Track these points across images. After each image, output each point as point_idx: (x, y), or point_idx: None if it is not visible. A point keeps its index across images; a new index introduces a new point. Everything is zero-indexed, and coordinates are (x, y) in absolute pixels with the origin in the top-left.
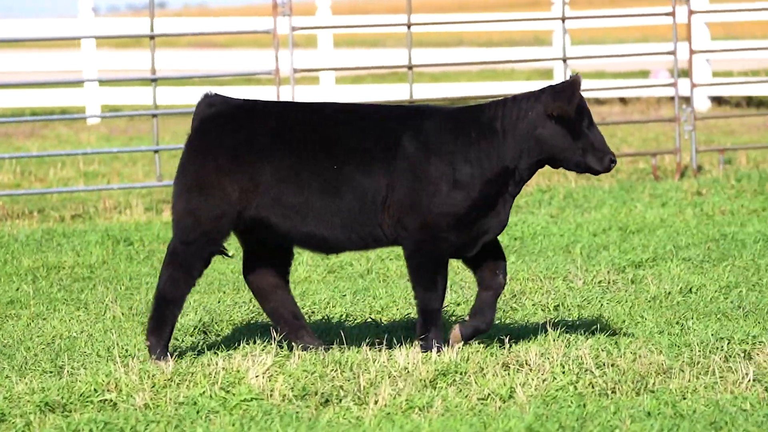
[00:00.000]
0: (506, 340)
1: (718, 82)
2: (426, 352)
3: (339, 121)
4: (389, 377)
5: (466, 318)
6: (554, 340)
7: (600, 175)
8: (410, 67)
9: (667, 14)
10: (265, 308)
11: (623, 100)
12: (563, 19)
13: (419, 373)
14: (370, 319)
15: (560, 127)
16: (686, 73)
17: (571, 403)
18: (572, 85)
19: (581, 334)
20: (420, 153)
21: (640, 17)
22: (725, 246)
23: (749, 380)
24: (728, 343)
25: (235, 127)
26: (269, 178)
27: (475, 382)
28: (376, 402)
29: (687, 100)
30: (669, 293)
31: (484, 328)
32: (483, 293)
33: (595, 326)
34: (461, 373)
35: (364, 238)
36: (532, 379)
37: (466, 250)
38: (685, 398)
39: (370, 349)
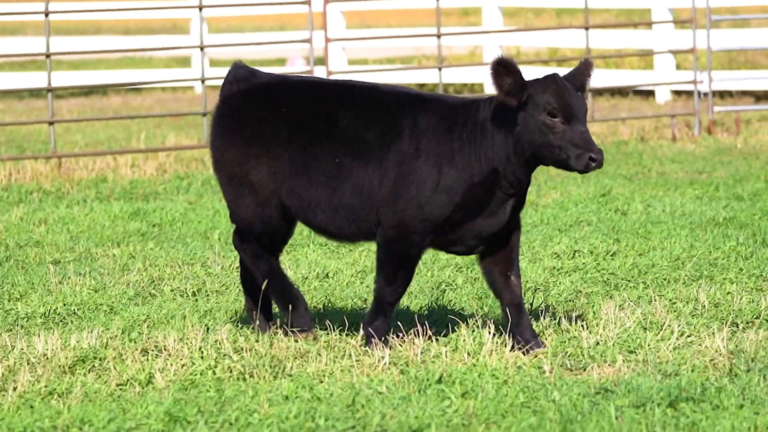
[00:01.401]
0: (145, 326)
1: (353, 70)
2: (368, 342)
3: (351, 106)
4: (28, 364)
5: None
6: (193, 326)
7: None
8: (48, 55)
9: (303, 2)
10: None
11: None
12: (200, 8)
13: (58, 359)
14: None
15: (536, 124)
16: (322, 61)
17: (210, 387)
18: (499, 63)
19: (220, 320)
20: (411, 150)
21: (277, 5)
22: None
23: (385, 364)
24: (354, 326)
25: (253, 111)
26: (285, 168)
27: (114, 368)
28: (15, 389)
29: None
30: (306, 278)
31: (535, 342)
32: (507, 308)
33: (232, 311)
34: (100, 359)
35: (365, 232)
36: (171, 365)
37: (458, 249)
38: (322, 381)
39: (8, 336)
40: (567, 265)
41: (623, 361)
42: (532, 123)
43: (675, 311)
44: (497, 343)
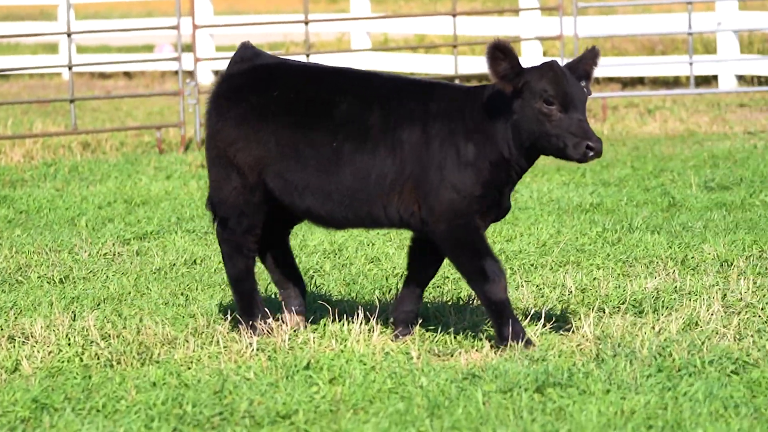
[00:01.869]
0: (11, 312)
1: (221, 56)
2: (511, 345)
3: (351, 92)
4: None
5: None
6: (60, 313)
7: (583, 163)
8: None
9: None
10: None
11: (128, 74)
12: None
13: None
14: None
15: (533, 112)
16: (190, 47)
17: (77, 374)
18: (495, 47)
19: (87, 307)
20: (427, 135)
21: None
22: None
23: (253, 350)
24: (232, 313)
25: (247, 93)
26: (273, 152)
27: None
28: None
29: (191, 74)
30: (174, 265)
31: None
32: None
33: (101, 298)
34: None
35: (361, 216)
36: (38, 352)
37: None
38: (190, 368)
39: None
40: None
41: (491, 346)
42: (528, 111)
43: (542, 297)
44: (365, 329)
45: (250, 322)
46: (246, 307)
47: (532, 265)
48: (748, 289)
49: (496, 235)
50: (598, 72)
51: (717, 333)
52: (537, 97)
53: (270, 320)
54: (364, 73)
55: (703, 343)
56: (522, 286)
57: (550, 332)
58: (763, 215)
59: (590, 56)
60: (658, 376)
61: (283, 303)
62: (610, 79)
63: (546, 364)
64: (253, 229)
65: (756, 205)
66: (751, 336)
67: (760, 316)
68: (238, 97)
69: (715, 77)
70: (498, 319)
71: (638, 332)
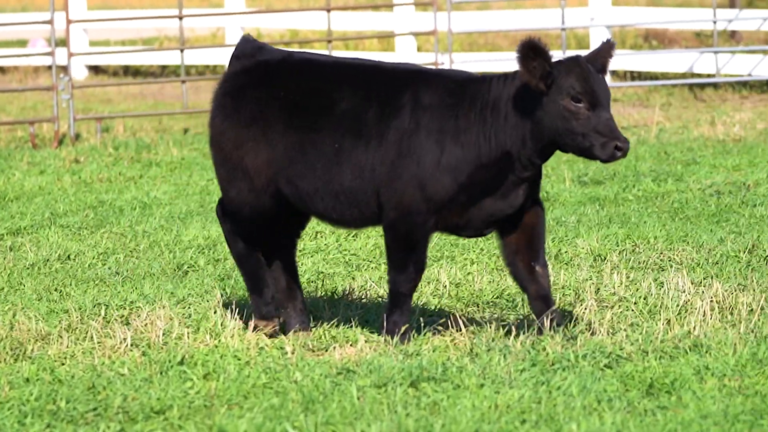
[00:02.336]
0: None
1: (95, 51)
2: (390, 335)
3: (355, 83)
4: None
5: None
6: None
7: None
8: None
9: None
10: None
11: (1, 69)
12: None
13: None
14: None
15: (558, 109)
16: (64, 42)
17: None
18: (528, 45)
19: None
20: (412, 126)
21: None
22: (103, 213)
23: (127, 345)
24: (106, 309)
25: (252, 91)
26: (282, 155)
27: None
28: None
29: (64, 69)
30: (48, 260)
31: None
32: (533, 301)
33: None
34: None
35: (368, 216)
36: None
37: (467, 232)
38: (63, 364)
39: None
40: (309, 246)
41: (365, 341)
42: (554, 108)
43: (417, 291)
44: (239, 324)
45: (261, 296)
46: (254, 285)
47: None
48: (621, 284)
49: (370, 230)
50: (473, 67)
51: (590, 327)
52: (564, 93)
53: (281, 305)
54: (372, 63)
55: (576, 338)
56: None
57: (425, 327)
58: (636, 210)
59: (607, 49)
60: (532, 370)
61: (284, 323)
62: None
63: (420, 359)
64: (258, 230)
65: (629, 200)
66: (624, 330)
67: (632, 311)
68: (243, 96)
69: None
70: (392, 309)
71: (512, 327)
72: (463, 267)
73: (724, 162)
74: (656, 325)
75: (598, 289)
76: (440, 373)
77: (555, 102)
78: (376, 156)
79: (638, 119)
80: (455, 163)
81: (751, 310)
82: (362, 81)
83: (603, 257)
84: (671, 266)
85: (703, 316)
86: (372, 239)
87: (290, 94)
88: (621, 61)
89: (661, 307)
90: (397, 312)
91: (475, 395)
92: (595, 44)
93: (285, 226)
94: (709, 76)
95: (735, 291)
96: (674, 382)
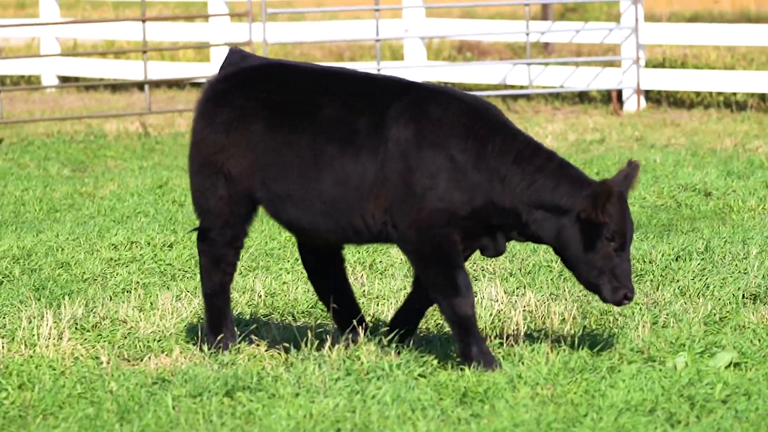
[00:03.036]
0: None
1: None
2: (481, 364)
3: (342, 94)
4: None
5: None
6: None
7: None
8: None
9: None
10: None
11: None
12: None
13: None
14: None
15: (586, 236)
16: None
17: None
18: (608, 194)
19: None
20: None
21: None
22: None
23: None
24: None
25: (235, 97)
26: (261, 159)
27: None
28: None
29: None
30: None
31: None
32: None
33: None
34: None
35: (343, 226)
36: None
37: (489, 252)
38: None
39: None
40: (124, 256)
41: (180, 351)
42: (583, 233)
43: (232, 302)
44: (54, 334)
45: (216, 340)
46: (215, 324)
47: None
48: None
49: (186, 240)
50: None
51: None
52: (603, 230)
53: (237, 342)
54: (361, 74)
55: (390, 347)
56: None
57: (240, 336)
58: None
59: (634, 172)
60: (346, 379)
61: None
62: None
63: (235, 369)
64: (236, 240)
65: None
66: (438, 339)
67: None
68: (225, 101)
69: None
70: (464, 337)
71: (327, 336)
72: (278, 277)
73: None
74: None
75: None
76: (255, 382)
77: (592, 230)
78: (370, 167)
79: None
80: (469, 185)
81: (563, 319)
82: (356, 90)
83: None
84: (484, 276)
85: (516, 325)
86: (188, 250)
87: (273, 97)
88: (435, 72)
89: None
90: (472, 339)
91: (290, 404)
92: (409, 55)
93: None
94: (522, 87)
95: (547, 300)
96: (487, 391)
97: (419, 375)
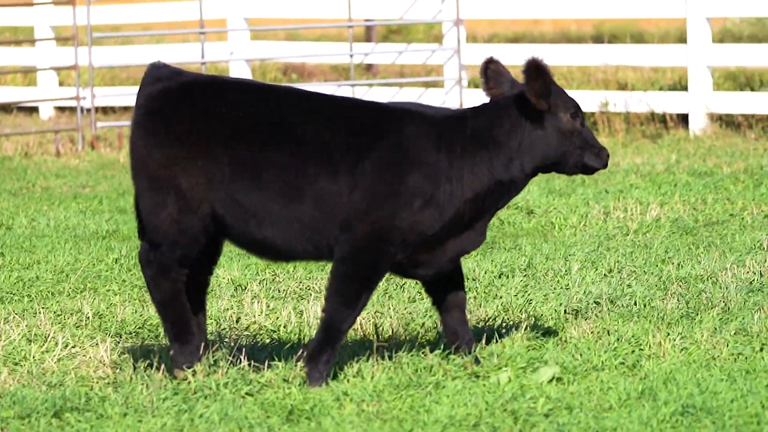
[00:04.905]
0: None
1: None
2: (313, 381)
3: (308, 111)
4: None
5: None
6: None
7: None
8: None
9: None
10: None
11: None
12: None
13: None
14: None
15: (555, 127)
16: None
17: None
18: (532, 64)
19: None
20: (395, 161)
21: None
22: None
23: None
24: None
25: (184, 110)
26: (224, 173)
27: None
28: None
29: None
30: None
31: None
32: (451, 313)
33: None
34: None
35: (321, 249)
36: None
37: (425, 271)
38: None
39: None
40: None
41: (8, 373)
42: (557, 127)
43: (59, 323)
44: None
45: (186, 345)
46: (178, 333)
47: (49, 291)
48: (262, 312)
49: (13, 263)
50: (114, 101)
51: (232, 355)
52: (564, 110)
53: (210, 348)
54: (324, 94)
55: (218, 365)
56: (40, 312)
57: (68, 358)
58: None
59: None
60: (174, 398)
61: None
62: (126, 108)
63: (64, 390)
64: (186, 260)
65: None
66: (266, 358)
67: (273, 339)
68: (172, 115)
69: None
70: (325, 345)
71: (155, 356)
72: (106, 298)
73: None
74: (296, 354)
75: (239, 318)
76: (83, 403)
77: (557, 120)
78: (345, 186)
79: None
80: (443, 199)
81: (389, 336)
82: (326, 110)
83: (244, 287)
84: (311, 295)
85: (343, 342)
86: (15, 272)
87: (235, 112)
88: None
89: (300, 335)
90: (328, 350)
91: (119, 424)
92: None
93: (203, 261)
94: None
95: (373, 318)
96: (314, 408)
97: (246, 393)
